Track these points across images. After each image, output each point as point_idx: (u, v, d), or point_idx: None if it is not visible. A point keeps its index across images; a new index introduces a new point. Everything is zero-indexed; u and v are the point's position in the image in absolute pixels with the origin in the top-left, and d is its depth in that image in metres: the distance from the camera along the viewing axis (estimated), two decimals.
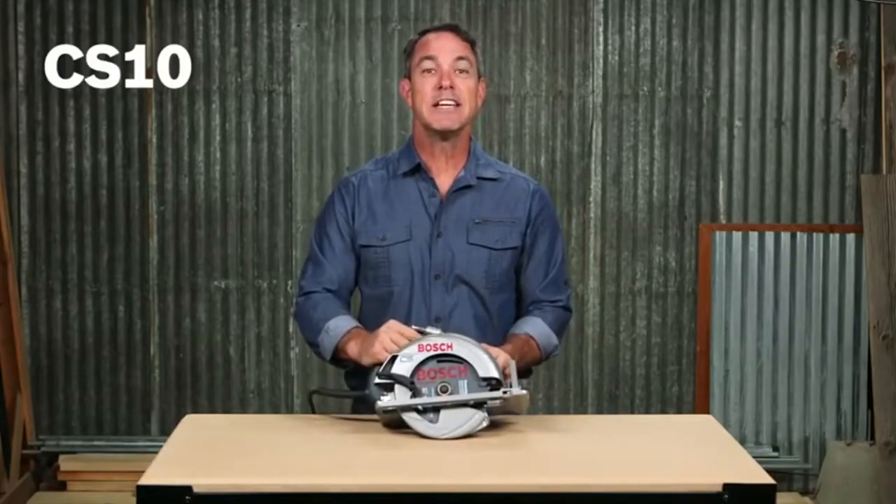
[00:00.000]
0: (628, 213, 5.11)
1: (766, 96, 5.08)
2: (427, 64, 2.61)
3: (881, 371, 4.83)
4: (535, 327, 2.65)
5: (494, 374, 2.29)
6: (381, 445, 2.25)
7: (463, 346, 2.31)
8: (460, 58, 2.61)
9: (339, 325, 2.58)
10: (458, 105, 2.61)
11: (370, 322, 2.63)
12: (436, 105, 2.60)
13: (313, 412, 2.54)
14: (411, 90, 2.66)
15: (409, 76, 2.67)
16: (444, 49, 2.61)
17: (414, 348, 2.30)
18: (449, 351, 2.30)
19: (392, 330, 2.40)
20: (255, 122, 5.07)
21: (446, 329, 2.45)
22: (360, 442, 2.28)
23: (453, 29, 2.67)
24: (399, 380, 2.28)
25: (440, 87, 2.59)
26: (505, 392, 2.28)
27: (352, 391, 2.66)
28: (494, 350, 2.36)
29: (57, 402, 5.13)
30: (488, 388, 2.28)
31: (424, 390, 2.28)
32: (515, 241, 2.68)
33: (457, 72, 2.61)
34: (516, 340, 2.60)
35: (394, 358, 2.30)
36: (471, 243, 2.64)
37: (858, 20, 5.05)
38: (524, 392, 2.29)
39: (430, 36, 2.66)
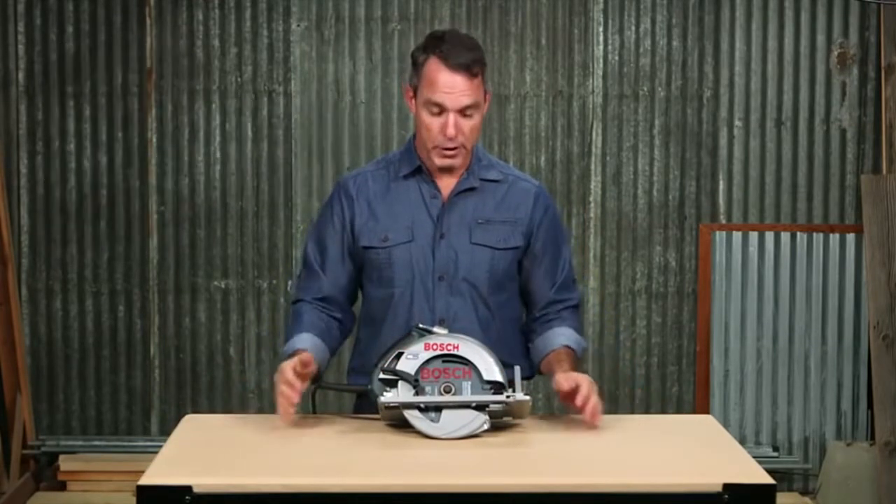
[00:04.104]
0: (628, 213, 5.11)
1: (766, 96, 5.08)
2: (433, 108, 2.54)
3: (881, 371, 4.83)
4: (568, 337, 2.66)
5: (499, 377, 2.30)
6: (381, 445, 2.25)
7: (469, 348, 2.31)
8: (468, 105, 2.54)
9: (291, 345, 2.55)
10: (460, 148, 2.58)
11: (375, 323, 2.65)
12: (439, 148, 2.57)
13: (314, 411, 2.55)
14: (416, 114, 2.60)
15: (412, 84, 2.61)
16: (452, 97, 2.52)
17: (420, 346, 2.31)
18: (455, 352, 2.30)
19: (283, 377, 2.38)
20: (255, 122, 5.07)
21: (451, 330, 2.44)
22: (361, 442, 2.28)
23: (466, 69, 2.52)
24: (403, 376, 2.28)
25: (444, 135, 2.55)
26: (508, 396, 2.28)
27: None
28: (576, 379, 2.39)
29: (57, 402, 5.13)
30: (492, 391, 2.29)
31: (428, 389, 2.28)
32: (517, 242, 2.67)
33: (463, 115, 2.55)
34: (564, 357, 2.60)
35: (399, 354, 2.31)
36: (474, 243, 2.63)
37: (858, 20, 5.04)
38: (527, 398, 2.30)
39: (440, 70, 2.53)
